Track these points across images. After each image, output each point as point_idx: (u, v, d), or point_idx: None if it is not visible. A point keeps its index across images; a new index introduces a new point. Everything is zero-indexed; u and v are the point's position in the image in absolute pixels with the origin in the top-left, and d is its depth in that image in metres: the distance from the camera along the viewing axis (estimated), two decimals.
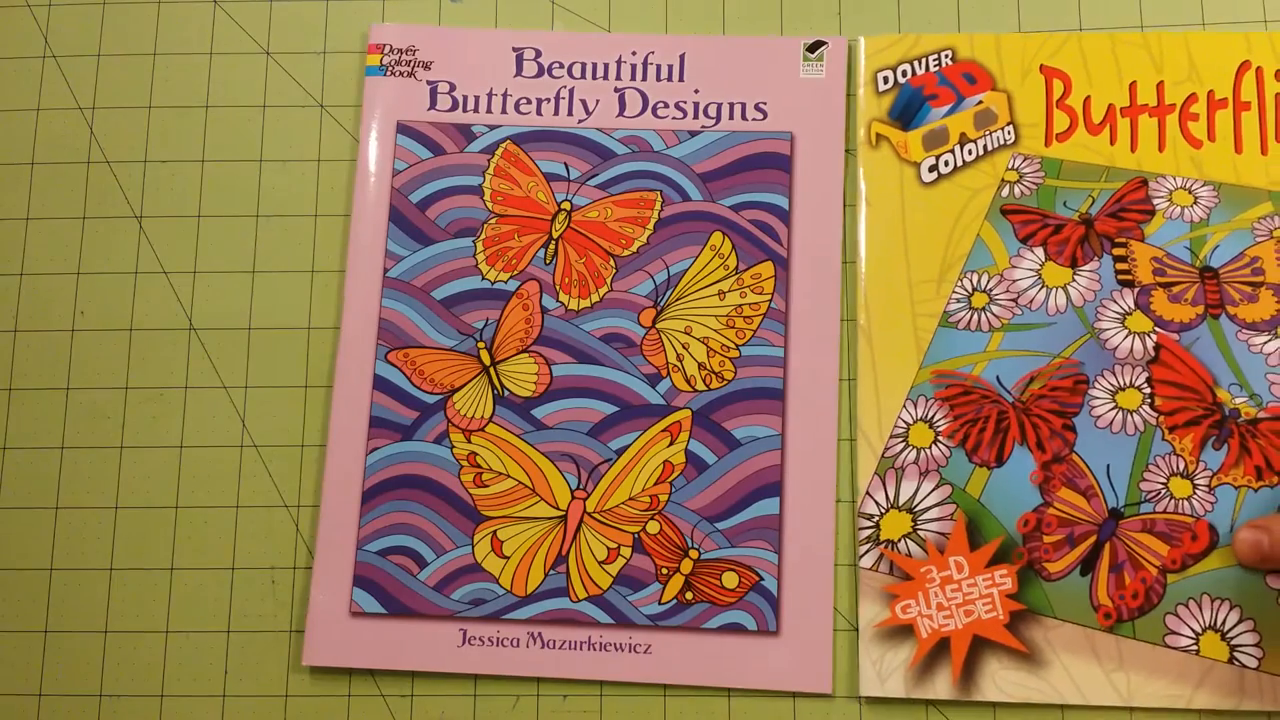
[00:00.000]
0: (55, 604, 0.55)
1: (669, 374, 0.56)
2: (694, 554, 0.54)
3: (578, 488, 0.55)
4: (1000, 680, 0.51)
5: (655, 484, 0.54)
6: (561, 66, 0.59)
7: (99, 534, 0.55)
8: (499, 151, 0.58)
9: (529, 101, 0.59)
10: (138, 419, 0.57)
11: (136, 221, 0.59)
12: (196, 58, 0.61)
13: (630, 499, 0.54)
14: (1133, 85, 0.58)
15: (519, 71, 0.59)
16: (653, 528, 0.54)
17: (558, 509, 0.54)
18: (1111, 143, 0.57)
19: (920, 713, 0.52)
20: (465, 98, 0.59)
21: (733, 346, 0.56)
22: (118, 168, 0.59)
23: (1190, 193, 0.56)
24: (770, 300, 0.56)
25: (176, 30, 0.61)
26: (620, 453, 0.55)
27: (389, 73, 0.59)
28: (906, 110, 0.58)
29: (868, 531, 0.53)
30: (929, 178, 0.57)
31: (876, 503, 0.54)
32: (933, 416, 0.54)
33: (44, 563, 0.55)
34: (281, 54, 0.60)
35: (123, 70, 0.61)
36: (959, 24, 0.60)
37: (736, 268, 0.57)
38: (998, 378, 0.55)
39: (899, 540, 0.53)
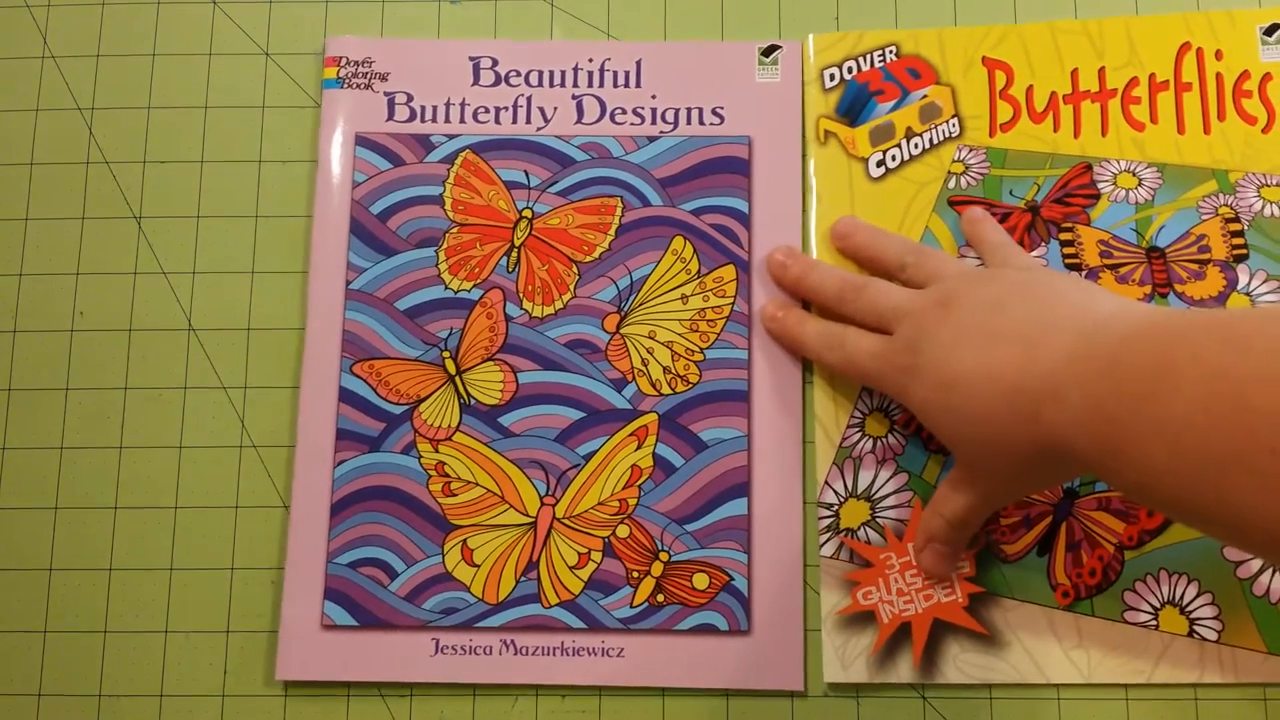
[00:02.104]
0: (54, 604, 0.55)
1: (634, 378, 0.56)
2: (664, 556, 0.54)
3: (546, 494, 0.55)
4: (961, 663, 0.52)
5: (624, 488, 0.55)
6: (518, 75, 0.59)
7: (98, 534, 0.56)
8: (459, 161, 0.58)
9: (487, 110, 0.59)
10: (137, 419, 0.57)
11: (135, 222, 0.59)
12: (195, 58, 0.60)
13: (599, 504, 0.55)
14: (1074, 72, 0.58)
15: (476, 80, 0.59)
16: (622, 531, 0.54)
17: (527, 516, 0.55)
18: (1055, 130, 0.57)
19: (915, 702, 0.52)
20: (423, 108, 0.59)
21: (697, 350, 0.56)
22: (116, 168, 0.59)
23: (1134, 175, 0.56)
24: (733, 303, 0.56)
25: (175, 30, 0.61)
26: (588, 458, 0.55)
27: (346, 85, 0.59)
28: (853, 106, 0.58)
29: (827, 521, 0.54)
30: (877, 173, 0.57)
31: (835, 492, 0.54)
32: (889, 406, 0.55)
33: (43, 563, 0.56)
34: (281, 54, 0.60)
35: (121, 71, 0.60)
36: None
37: (698, 271, 0.57)
38: None
39: (858, 528, 0.54)
